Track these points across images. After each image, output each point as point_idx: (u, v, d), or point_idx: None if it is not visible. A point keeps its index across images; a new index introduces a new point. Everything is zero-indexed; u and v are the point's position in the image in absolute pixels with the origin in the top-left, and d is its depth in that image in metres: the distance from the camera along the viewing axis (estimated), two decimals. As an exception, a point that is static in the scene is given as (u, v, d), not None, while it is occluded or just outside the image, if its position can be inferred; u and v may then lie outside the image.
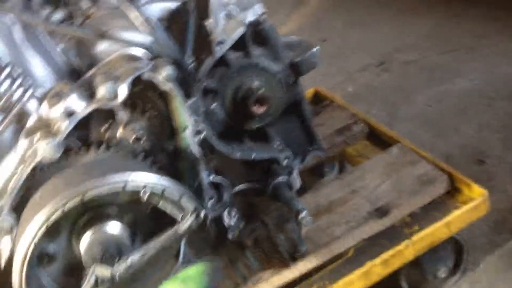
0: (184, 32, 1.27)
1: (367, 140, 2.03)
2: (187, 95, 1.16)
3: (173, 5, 1.41)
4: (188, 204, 1.08)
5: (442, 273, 1.70)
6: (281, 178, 1.38)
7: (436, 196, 1.64)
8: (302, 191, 1.60)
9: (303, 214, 1.26)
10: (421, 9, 3.59)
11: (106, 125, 1.12)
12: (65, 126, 1.04)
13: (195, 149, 1.15)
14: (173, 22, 1.37)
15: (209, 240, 1.42)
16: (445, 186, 1.65)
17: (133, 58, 1.12)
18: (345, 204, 1.69)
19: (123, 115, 1.09)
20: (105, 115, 1.10)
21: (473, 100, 2.61)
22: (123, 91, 1.05)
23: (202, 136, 1.15)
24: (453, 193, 1.65)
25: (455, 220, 1.56)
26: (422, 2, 3.65)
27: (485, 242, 1.86)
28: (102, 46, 1.16)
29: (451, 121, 2.52)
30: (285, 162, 1.36)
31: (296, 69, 1.32)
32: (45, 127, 1.05)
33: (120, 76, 1.05)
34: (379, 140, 1.99)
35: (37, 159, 1.01)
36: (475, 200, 1.57)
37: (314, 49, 1.32)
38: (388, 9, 3.74)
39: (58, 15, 1.28)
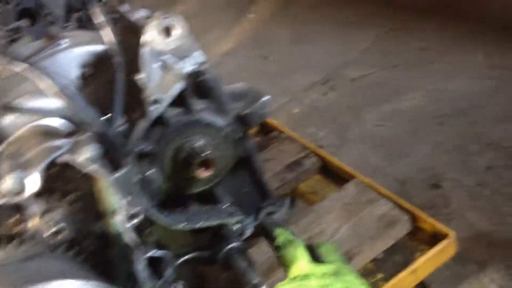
0: (112, 86, 1.10)
1: (319, 175, 1.92)
2: (117, 165, 0.99)
3: (99, 48, 1.24)
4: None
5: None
6: (232, 245, 1.23)
7: (399, 238, 1.54)
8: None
9: (260, 289, 1.12)
10: (363, 22, 3.54)
11: (17, 217, 0.93)
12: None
13: (129, 236, 0.98)
14: (99, 70, 1.20)
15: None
16: (407, 227, 1.56)
17: (47, 133, 0.93)
18: (302, 253, 1.57)
19: (36, 207, 0.90)
20: (16, 207, 0.92)
21: (424, 119, 2.54)
22: (34, 182, 0.87)
23: (137, 221, 0.98)
24: (416, 233, 1.56)
25: (422, 266, 1.46)
26: (364, 15, 3.60)
27: (449, 277, 1.78)
28: (7, 120, 0.97)
29: (403, 141, 2.45)
30: (236, 227, 1.22)
31: (245, 122, 1.17)
32: None
33: (30, 162, 0.87)
34: (332, 174, 1.88)
35: None
36: (442, 243, 1.47)
37: (264, 99, 1.17)
38: (329, 23, 3.67)
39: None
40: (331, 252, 1.15)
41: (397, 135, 2.50)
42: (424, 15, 3.35)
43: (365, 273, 1.50)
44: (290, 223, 1.72)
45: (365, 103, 2.79)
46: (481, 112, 2.48)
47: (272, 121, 2.19)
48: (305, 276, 1.07)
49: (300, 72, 3.22)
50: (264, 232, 1.31)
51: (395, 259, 1.51)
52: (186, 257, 1.22)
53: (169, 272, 1.17)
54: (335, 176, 1.87)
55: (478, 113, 2.48)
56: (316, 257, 1.12)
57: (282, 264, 1.14)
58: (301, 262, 1.10)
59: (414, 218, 1.57)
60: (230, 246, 1.22)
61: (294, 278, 1.08)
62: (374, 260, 1.52)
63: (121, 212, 0.96)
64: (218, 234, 1.23)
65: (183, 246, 1.22)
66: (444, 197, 2.08)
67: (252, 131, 2.28)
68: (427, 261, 1.47)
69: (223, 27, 3.96)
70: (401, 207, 1.60)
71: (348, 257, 1.50)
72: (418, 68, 2.93)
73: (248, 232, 1.30)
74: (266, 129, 2.21)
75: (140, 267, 1.01)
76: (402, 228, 1.55)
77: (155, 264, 1.17)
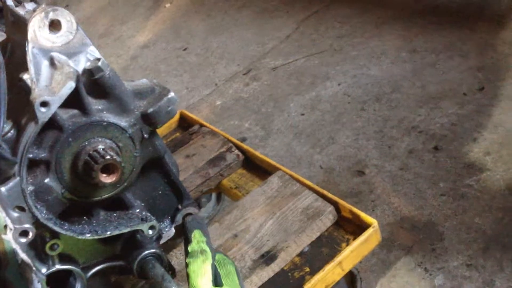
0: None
1: (243, 169, 1.86)
2: (3, 177, 0.87)
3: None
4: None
5: (338, 308, 1.58)
6: (147, 251, 1.14)
7: (324, 230, 1.51)
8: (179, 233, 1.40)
9: (180, 297, 1.04)
10: (280, 10, 3.50)
11: None
12: None
13: (23, 253, 0.87)
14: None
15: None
16: (331, 218, 1.52)
17: None
18: (228, 253, 1.50)
19: None
20: None
21: (346, 105, 2.54)
22: None
23: (30, 237, 0.88)
24: (340, 223, 1.53)
25: (347, 257, 1.42)
26: (284, 2, 3.56)
27: (377, 263, 1.78)
28: None
29: (326, 129, 2.43)
30: (150, 233, 1.13)
31: (151, 121, 1.08)
32: None
33: None
34: (256, 167, 1.83)
35: None
36: (365, 233, 1.45)
37: (170, 95, 1.08)
38: (248, 11, 3.61)
39: None
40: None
41: (321, 123, 2.48)
42: (346, 0, 3.36)
43: (292, 268, 1.45)
44: (214, 220, 1.66)
45: (287, 92, 2.75)
46: (401, 96, 2.50)
47: (191, 115, 2.11)
48: None
49: (221, 63, 3.15)
50: (183, 234, 1.23)
51: (322, 251, 1.47)
52: (97, 268, 1.13)
53: (79, 284, 1.07)
54: (259, 169, 1.81)
55: (398, 97, 2.50)
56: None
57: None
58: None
59: (338, 209, 1.54)
60: (144, 253, 1.13)
61: None
62: (301, 254, 1.48)
63: (11, 230, 0.85)
64: (131, 241, 1.15)
65: (93, 256, 1.12)
66: (369, 184, 2.08)
67: (171, 126, 2.19)
68: (353, 252, 1.43)
69: (138, 18, 3.81)
70: (324, 198, 1.56)
71: (273, 254, 1.45)
72: (340, 55, 2.93)
73: (168, 235, 1.22)
74: (186, 124, 2.12)
75: (39, 287, 0.91)
76: (326, 220, 1.52)
77: (62, 279, 1.07)
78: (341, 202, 1.54)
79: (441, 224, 1.85)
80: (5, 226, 0.86)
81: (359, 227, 1.50)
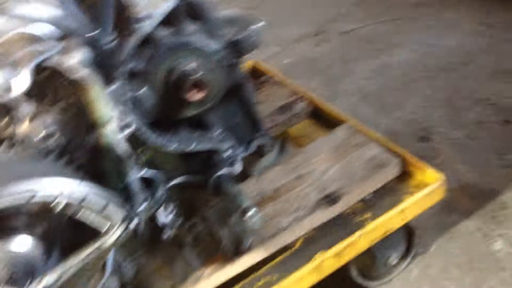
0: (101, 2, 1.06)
1: (310, 119, 1.90)
2: (108, 80, 0.95)
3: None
4: (115, 213, 0.89)
5: (393, 259, 1.61)
6: (223, 171, 1.21)
7: (388, 181, 1.54)
8: (242, 174, 1.46)
9: (252, 212, 1.10)
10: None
11: (7, 119, 0.90)
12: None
13: (121, 147, 0.95)
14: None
15: (142, 240, 1.25)
16: (397, 170, 1.54)
17: (36, 38, 0.89)
18: (291, 192, 1.56)
19: (26, 108, 0.87)
20: (5, 107, 0.88)
21: (415, 73, 2.52)
22: (22, 81, 0.83)
23: (129, 131, 0.96)
24: (405, 177, 1.55)
25: (410, 207, 1.46)
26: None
27: (435, 224, 1.79)
28: (-5, 24, 0.92)
29: (394, 95, 2.43)
30: (227, 153, 1.19)
31: (237, 48, 1.13)
32: None
33: (19, 61, 0.83)
34: (323, 119, 1.87)
35: None
36: (431, 185, 1.47)
37: (257, 25, 1.14)
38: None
39: None
40: None
41: (388, 88, 2.48)
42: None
43: (353, 212, 1.50)
44: (278, 163, 1.71)
45: (356, 56, 2.76)
46: (472, 68, 2.46)
47: (263, 65, 2.16)
48: None
49: (290, 24, 3.17)
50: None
51: (384, 200, 1.51)
52: (177, 180, 1.21)
53: (160, 192, 1.16)
54: (326, 121, 1.85)
55: (469, 69, 2.46)
56: None
57: None
58: None
59: (404, 162, 1.56)
60: (220, 172, 1.21)
61: None
62: (363, 201, 1.52)
63: (113, 123, 0.93)
64: (208, 161, 1.22)
65: (174, 169, 1.20)
66: (433, 149, 2.08)
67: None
68: (416, 203, 1.46)
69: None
70: (391, 151, 1.58)
71: (336, 196, 1.50)
72: (412, 23, 2.90)
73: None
74: (256, 74, 2.17)
75: (133, 179, 0.99)
76: (392, 171, 1.54)
77: (146, 185, 1.15)
78: (408, 155, 1.56)
79: (505, 194, 1.84)
80: (108, 121, 0.94)
81: (424, 182, 1.52)
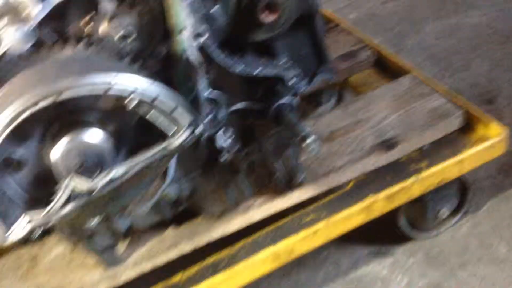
0: None
1: (373, 69, 1.88)
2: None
3: None
4: (183, 116, 0.93)
5: (444, 212, 1.60)
6: (285, 100, 1.22)
7: (449, 132, 1.51)
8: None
9: (311, 139, 1.12)
10: None
11: (87, 18, 0.94)
12: (37, 12, 0.86)
13: (193, 55, 0.98)
14: None
15: (200, 161, 1.29)
16: (459, 121, 1.52)
17: None
18: (347, 135, 1.56)
19: (107, 6, 0.90)
20: (87, 5, 0.92)
21: (486, 37, 2.44)
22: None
23: (202, 40, 0.98)
24: (467, 130, 1.53)
25: (469, 158, 1.44)
26: None
27: (490, 186, 1.76)
28: None
29: (461, 56, 2.36)
30: (291, 82, 1.20)
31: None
32: (14, 12, 0.87)
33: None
34: (386, 70, 1.84)
35: (3, 48, 0.84)
36: (493, 139, 1.44)
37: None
38: None
39: None
40: None
41: (456, 50, 2.42)
42: None
43: (409, 160, 1.49)
44: (337, 108, 1.72)
45: (425, 15, 2.69)
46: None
47: (330, 13, 2.13)
48: None
49: (361, -21, 3.10)
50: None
51: (442, 151, 1.49)
52: (238, 105, 1.23)
53: (222, 114, 1.19)
54: (390, 72, 1.83)
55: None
56: None
57: None
58: None
59: (467, 115, 1.53)
60: (282, 101, 1.22)
61: None
62: (420, 149, 1.51)
63: (188, 30, 0.96)
64: (271, 89, 1.23)
65: (237, 94, 1.22)
66: (496, 112, 2.02)
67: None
68: (475, 154, 1.44)
69: None
70: (455, 103, 1.56)
71: (393, 143, 1.49)
72: (488, -14, 2.78)
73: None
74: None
75: (202, 87, 1.02)
76: (454, 122, 1.52)
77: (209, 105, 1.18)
78: (472, 108, 1.53)
79: None
80: (183, 29, 0.97)
81: (486, 136, 1.49)
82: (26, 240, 1.63)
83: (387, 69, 1.84)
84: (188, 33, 0.97)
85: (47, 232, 1.54)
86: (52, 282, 1.37)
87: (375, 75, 1.85)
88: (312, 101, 2.11)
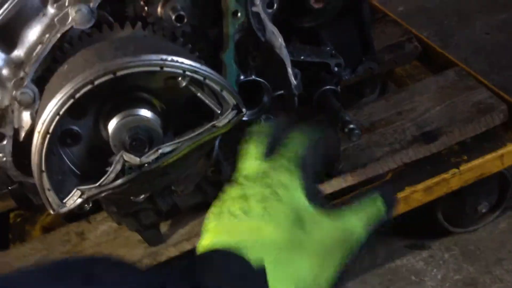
0: None
1: (418, 61, 1.87)
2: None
3: None
4: (230, 97, 0.97)
5: (482, 207, 1.60)
6: (328, 87, 1.25)
7: (491, 127, 1.51)
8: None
9: (352, 126, 1.14)
10: None
11: (143, 1, 0.99)
12: (98, -7, 0.91)
13: (270, 25, 0.99)
14: None
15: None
16: (502, 116, 1.51)
17: None
18: (389, 126, 1.57)
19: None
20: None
21: (538, 33, 2.39)
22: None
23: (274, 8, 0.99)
24: (510, 125, 1.51)
25: (510, 153, 1.43)
26: None
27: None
28: None
29: (510, 53, 2.32)
30: (336, 69, 1.23)
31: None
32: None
33: None
34: (432, 63, 1.84)
35: (67, 26, 0.90)
36: (538, 135, 1.43)
37: None
38: None
39: None
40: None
41: (505, 46, 2.37)
42: None
43: (449, 153, 1.49)
44: (381, 98, 1.73)
45: (476, 9, 2.64)
46: None
47: (378, 4, 2.13)
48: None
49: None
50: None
51: (484, 145, 1.49)
52: (282, 91, 1.26)
53: (265, 99, 1.22)
54: (435, 64, 1.82)
55: None
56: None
57: None
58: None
59: (511, 110, 1.52)
60: (326, 87, 1.25)
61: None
62: (462, 143, 1.50)
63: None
64: (315, 76, 1.26)
65: (280, 79, 1.25)
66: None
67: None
68: (518, 150, 1.43)
69: None
70: (500, 97, 1.54)
71: (435, 135, 1.50)
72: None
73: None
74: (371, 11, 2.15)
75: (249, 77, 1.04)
76: (497, 117, 1.51)
77: (254, 90, 1.22)
78: (516, 103, 1.52)
79: None
80: (234, 12, 1.00)
81: (530, 133, 1.48)
82: (76, 215, 1.72)
83: (432, 62, 1.83)
84: (260, 3, 0.99)
85: (94, 210, 1.62)
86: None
87: (421, 68, 1.85)
88: (355, 93, 2.11)
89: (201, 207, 1.52)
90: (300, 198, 0.61)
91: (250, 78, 1.20)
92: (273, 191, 0.61)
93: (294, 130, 0.68)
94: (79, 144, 1.02)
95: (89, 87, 0.87)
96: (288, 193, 0.61)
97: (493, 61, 2.30)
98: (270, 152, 0.65)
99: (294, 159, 0.64)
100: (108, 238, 1.54)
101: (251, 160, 0.66)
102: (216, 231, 0.61)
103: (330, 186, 1.48)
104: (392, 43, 1.89)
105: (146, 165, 0.95)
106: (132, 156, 0.94)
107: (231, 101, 0.97)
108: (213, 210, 0.64)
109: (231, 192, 0.63)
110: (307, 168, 0.64)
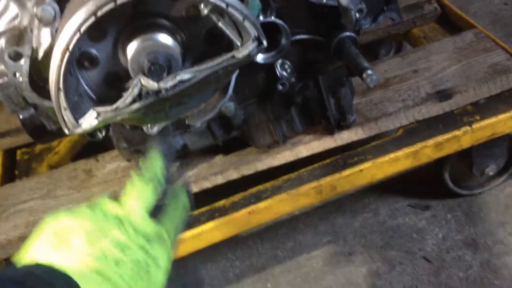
0: None
1: (436, 23, 1.86)
2: None
3: None
4: (251, 29, 0.96)
5: (490, 170, 1.60)
6: (347, 33, 1.23)
7: (507, 88, 1.50)
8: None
9: (370, 71, 1.13)
10: None
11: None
12: None
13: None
14: None
15: (257, 88, 1.33)
16: (519, 79, 1.50)
17: None
18: (403, 82, 1.57)
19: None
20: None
21: (557, 6, 2.36)
22: None
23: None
24: (526, 89, 1.51)
25: (525, 113, 1.42)
26: None
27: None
28: None
29: (528, 24, 2.30)
30: (357, 15, 1.21)
31: None
32: None
33: None
34: (450, 25, 1.82)
35: None
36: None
37: None
38: None
39: None
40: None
41: (523, 17, 2.35)
42: None
43: (462, 113, 1.49)
44: (397, 55, 1.71)
45: (496, -20, 2.60)
46: None
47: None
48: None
49: None
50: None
51: (498, 106, 1.48)
52: (300, 36, 1.25)
53: (284, 42, 1.21)
54: (453, 27, 1.80)
55: None
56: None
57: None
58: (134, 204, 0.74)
59: (528, 74, 1.51)
60: (345, 34, 1.23)
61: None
62: (475, 103, 1.50)
63: None
64: (335, 23, 1.24)
65: (300, 24, 1.24)
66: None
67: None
68: (532, 111, 1.43)
69: None
70: (517, 60, 1.53)
71: (449, 94, 1.49)
72: None
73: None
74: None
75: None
76: (512, 79, 1.50)
77: (273, 33, 1.20)
78: (535, 67, 1.51)
79: None
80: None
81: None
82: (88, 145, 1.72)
83: (451, 24, 1.81)
84: None
85: (103, 149, 1.63)
86: (104, 194, 1.45)
87: (438, 30, 1.83)
88: (369, 53, 2.10)
89: (210, 152, 1.54)
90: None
91: (270, 19, 1.19)
92: (147, 262, 0.66)
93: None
94: (96, 69, 1.02)
95: (111, 5, 0.86)
96: (157, 272, 0.67)
97: (510, 32, 2.27)
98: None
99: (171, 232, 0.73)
100: (115, 176, 1.55)
101: (139, 209, 0.72)
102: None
103: (340, 139, 1.48)
104: (411, 3, 1.88)
105: (163, 91, 0.95)
106: (150, 80, 0.94)
107: (253, 32, 0.96)
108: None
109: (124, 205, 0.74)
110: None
